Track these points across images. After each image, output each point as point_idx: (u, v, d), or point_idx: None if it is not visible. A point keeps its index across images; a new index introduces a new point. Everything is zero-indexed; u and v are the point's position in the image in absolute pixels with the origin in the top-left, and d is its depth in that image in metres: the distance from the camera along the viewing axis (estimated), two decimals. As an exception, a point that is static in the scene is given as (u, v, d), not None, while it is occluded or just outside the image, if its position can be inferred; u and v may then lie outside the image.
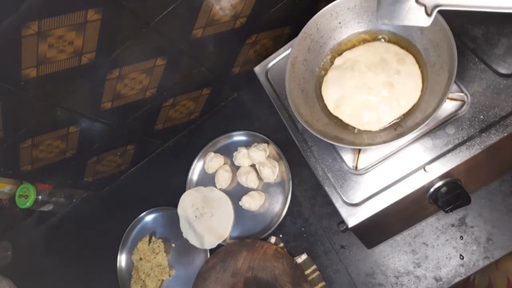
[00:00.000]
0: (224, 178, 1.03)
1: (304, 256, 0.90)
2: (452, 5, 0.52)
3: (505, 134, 0.57)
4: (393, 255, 0.83)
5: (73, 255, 1.20)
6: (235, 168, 1.05)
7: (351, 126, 0.68)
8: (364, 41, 0.72)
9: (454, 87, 0.63)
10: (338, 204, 0.65)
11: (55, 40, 0.66)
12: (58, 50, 0.68)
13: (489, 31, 0.63)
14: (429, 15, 0.53)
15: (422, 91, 0.64)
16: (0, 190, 1.22)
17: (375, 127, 0.66)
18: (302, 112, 0.67)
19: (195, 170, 1.10)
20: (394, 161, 0.64)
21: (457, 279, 0.77)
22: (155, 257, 1.03)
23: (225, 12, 0.81)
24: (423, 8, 0.53)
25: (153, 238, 1.06)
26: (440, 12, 0.59)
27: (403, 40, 0.68)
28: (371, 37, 0.71)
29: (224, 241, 0.98)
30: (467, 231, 0.79)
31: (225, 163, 1.07)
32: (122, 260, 1.11)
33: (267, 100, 0.79)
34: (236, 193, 1.02)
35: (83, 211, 1.24)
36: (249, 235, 0.98)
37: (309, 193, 0.95)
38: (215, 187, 1.05)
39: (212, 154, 1.07)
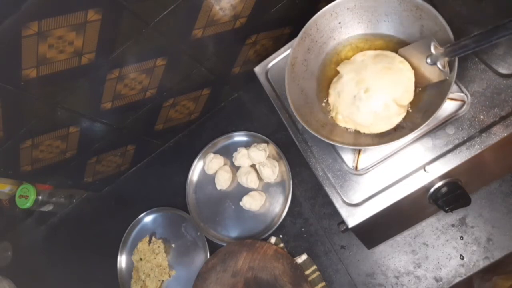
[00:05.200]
0: (224, 179, 1.03)
1: (304, 256, 0.90)
2: (455, 54, 0.56)
3: (505, 134, 0.57)
4: (393, 255, 0.83)
5: (73, 255, 1.20)
6: (235, 169, 1.05)
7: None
8: (365, 41, 0.72)
9: (454, 87, 0.63)
10: (338, 204, 0.65)
11: (55, 40, 0.66)
12: (58, 50, 0.68)
13: (489, 31, 0.63)
14: (443, 67, 0.57)
15: (421, 91, 0.64)
16: (0, 190, 1.22)
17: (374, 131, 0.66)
18: (302, 112, 0.67)
19: (195, 171, 1.10)
20: (394, 161, 0.64)
21: (457, 280, 0.77)
22: (155, 258, 1.03)
23: (225, 12, 0.81)
24: (436, 66, 0.58)
25: (153, 238, 1.06)
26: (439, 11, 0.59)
27: (404, 42, 0.68)
28: (371, 37, 0.71)
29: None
30: (467, 231, 0.79)
31: (225, 164, 1.07)
32: (122, 260, 1.11)
33: (267, 100, 0.79)
34: (236, 193, 1.02)
35: (83, 211, 1.24)
36: (250, 235, 0.98)
37: (309, 193, 0.95)
38: (216, 187, 1.05)
39: (212, 155, 1.07)
